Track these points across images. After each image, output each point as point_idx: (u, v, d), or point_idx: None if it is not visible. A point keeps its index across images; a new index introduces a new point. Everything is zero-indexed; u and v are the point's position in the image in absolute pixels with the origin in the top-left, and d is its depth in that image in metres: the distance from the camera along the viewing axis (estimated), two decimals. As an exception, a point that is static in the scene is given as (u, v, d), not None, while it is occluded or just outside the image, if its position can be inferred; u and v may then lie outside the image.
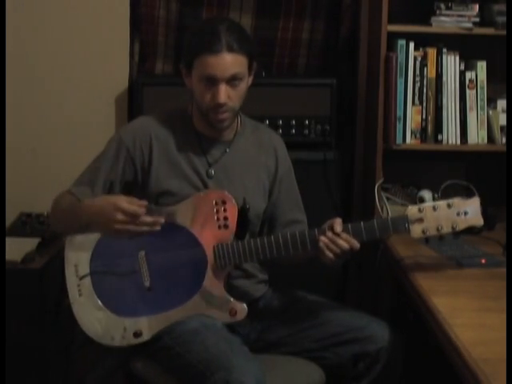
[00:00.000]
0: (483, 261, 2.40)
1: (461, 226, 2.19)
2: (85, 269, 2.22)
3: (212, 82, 2.16)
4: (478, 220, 2.21)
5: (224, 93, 2.16)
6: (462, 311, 2.04)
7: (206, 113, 2.21)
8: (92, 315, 2.21)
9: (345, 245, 2.11)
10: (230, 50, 2.14)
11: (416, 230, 2.18)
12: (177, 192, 2.23)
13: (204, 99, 2.18)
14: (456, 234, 2.22)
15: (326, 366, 2.27)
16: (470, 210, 2.19)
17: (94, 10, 3.05)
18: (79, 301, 2.22)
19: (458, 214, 2.18)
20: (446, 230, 2.19)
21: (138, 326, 2.19)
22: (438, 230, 2.18)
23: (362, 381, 2.23)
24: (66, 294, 2.24)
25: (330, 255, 2.12)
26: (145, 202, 2.08)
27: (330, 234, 2.12)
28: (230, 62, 2.15)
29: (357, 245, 2.13)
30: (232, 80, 2.16)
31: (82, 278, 2.22)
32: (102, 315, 2.20)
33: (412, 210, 2.18)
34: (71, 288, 2.22)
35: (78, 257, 2.22)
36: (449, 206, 2.18)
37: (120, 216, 2.05)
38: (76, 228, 2.19)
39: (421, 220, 2.18)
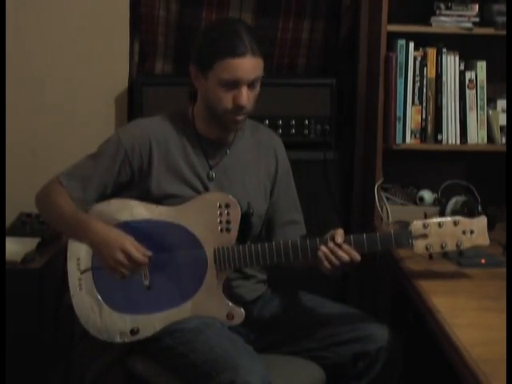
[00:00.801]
0: (483, 261, 2.40)
1: (466, 244, 2.18)
2: (87, 263, 2.23)
3: (234, 84, 2.14)
4: (484, 240, 2.19)
5: (246, 96, 2.15)
6: (462, 311, 2.04)
7: (222, 115, 2.18)
8: (91, 310, 2.21)
9: (345, 256, 2.11)
10: (253, 52, 2.13)
11: (419, 246, 2.17)
12: (179, 195, 2.23)
13: (223, 102, 2.16)
14: (460, 251, 2.21)
15: (326, 365, 2.26)
16: (476, 229, 2.18)
17: (94, 10, 3.05)
18: (79, 294, 2.22)
19: (464, 233, 2.17)
20: (451, 247, 2.18)
21: (135, 324, 2.19)
22: (442, 247, 2.17)
23: (361, 380, 2.23)
24: (67, 287, 2.24)
25: (328, 266, 2.12)
26: (149, 253, 2.15)
27: (331, 244, 2.12)
28: (253, 65, 2.14)
29: (357, 257, 2.13)
30: (252, 83, 2.16)
31: (83, 272, 2.23)
32: (100, 310, 2.21)
33: (416, 225, 2.17)
34: (72, 281, 2.23)
35: (81, 251, 2.23)
36: (455, 223, 2.17)
37: (121, 257, 2.12)
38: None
39: (425, 236, 2.17)
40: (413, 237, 2.16)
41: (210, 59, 2.14)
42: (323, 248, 2.12)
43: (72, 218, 2.19)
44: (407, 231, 2.17)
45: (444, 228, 2.17)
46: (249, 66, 2.13)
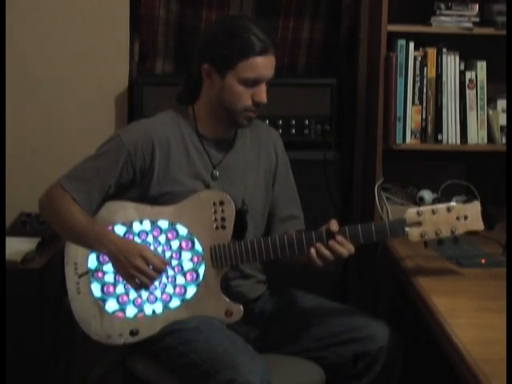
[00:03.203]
0: (483, 261, 2.40)
1: (460, 230, 2.17)
2: (84, 266, 2.22)
3: (255, 82, 2.17)
4: (478, 225, 2.19)
5: (265, 93, 2.19)
6: (462, 311, 2.04)
7: (239, 112, 2.20)
8: (89, 313, 2.21)
9: (340, 249, 2.11)
10: (274, 49, 2.19)
11: (414, 234, 2.17)
12: (179, 194, 2.22)
13: (242, 99, 2.18)
14: (455, 238, 2.20)
15: (326, 365, 2.27)
16: (470, 215, 2.17)
17: (94, 10, 3.05)
18: (77, 298, 2.22)
19: (458, 219, 2.17)
20: (445, 234, 2.17)
21: (134, 325, 2.20)
22: (436, 233, 2.17)
23: (361, 380, 2.23)
24: (66, 291, 2.24)
25: (321, 264, 2.12)
26: (167, 261, 2.17)
27: (331, 242, 2.12)
28: (273, 62, 2.19)
29: (352, 249, 2.13)
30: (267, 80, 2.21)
31: (80, 275, 2.22)
32: (99, 313, 2.21)
33: (410, 214, 2.17)
34: (70, 285, 2.23)
35: (78, 255, 2.23)
36: (448, 209, 2.17)
37: (140, 263, 2.12)
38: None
39: (419, 223, 2.16)
40: (407, 225, 2.16)
41: (233, 59, 2.15)
42: (318, 245, 2.12)
43: (88, 228, 2.17)
44: (401, 220, 2.17)
45: (438, 215, 2.16)
46: (270, 63, 2.18)
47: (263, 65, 2.16)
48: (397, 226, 2.17)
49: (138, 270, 2.13)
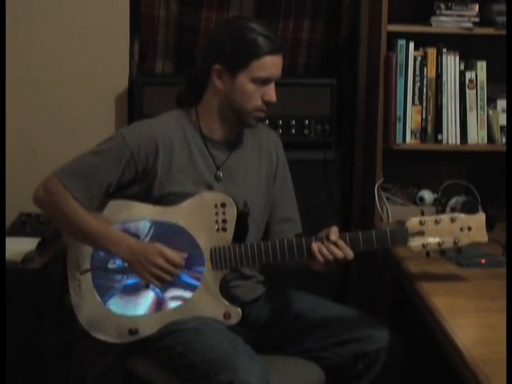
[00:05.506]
0: (483, 261, 2.40)
1: (463, 241, 2.15)
2: (86, 264, 2.23)
3: (265, 82, 2.19)
4: (482, 236, 2.16)
5: (274, 91, 2.21)
6: (462, 311, 2.04)
7: (249, 112, 2.21)
8: (90, 310, 2.22)
9: (338, 252, 2.11)
10: (282, 49, 2.21)
11: (416, 244, 2.15)
12: (181, 195, 2.22)
13: (253, 99, 2.19)
14: (458, 249, 2.18)
15: (325, 365, 2.27)
16: (474, 226, 2.15)
17: (94, 9, 3.05)
18: (79, 295, 2.23)
19: (462, 229, 2.14)
20: (448, 245, 2.15)
21: (133, 324, 2.20)
22: (439, 244, 2.15)
23: (361, 380, 2.23)
24: (66, 288, 2.25)
25: (322, 259, 2.11)
26: (185, 254, 2.16)
27: (326, 242, 2.12)
28: (282, 61, 2.23)
29: (351, 255, 2.12)
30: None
31: (82, 272, 2.23)
32: (99, 311, 2.21)
33: (413, 223, 2.14)
34: (72, 282, 2.24)
35: (81, 251, 2.23)
36: (452, 220, 2.14)
37: (160, 261, 2.13)
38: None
39: (421, 233, 2.14)
40: (409, 234, 2.14)
41: (245, 58, 2.16)
42: (318, 243, 2.12)
43: (101, 231, 2.18)
44: (403, 229, 2.15)
45: (441, 225, 2.14)
46: (280, 62, 2.22)
47: (274, 64, 2.19)
48: (398, 235, 2.15)
49: (160, 268, 2.14)
